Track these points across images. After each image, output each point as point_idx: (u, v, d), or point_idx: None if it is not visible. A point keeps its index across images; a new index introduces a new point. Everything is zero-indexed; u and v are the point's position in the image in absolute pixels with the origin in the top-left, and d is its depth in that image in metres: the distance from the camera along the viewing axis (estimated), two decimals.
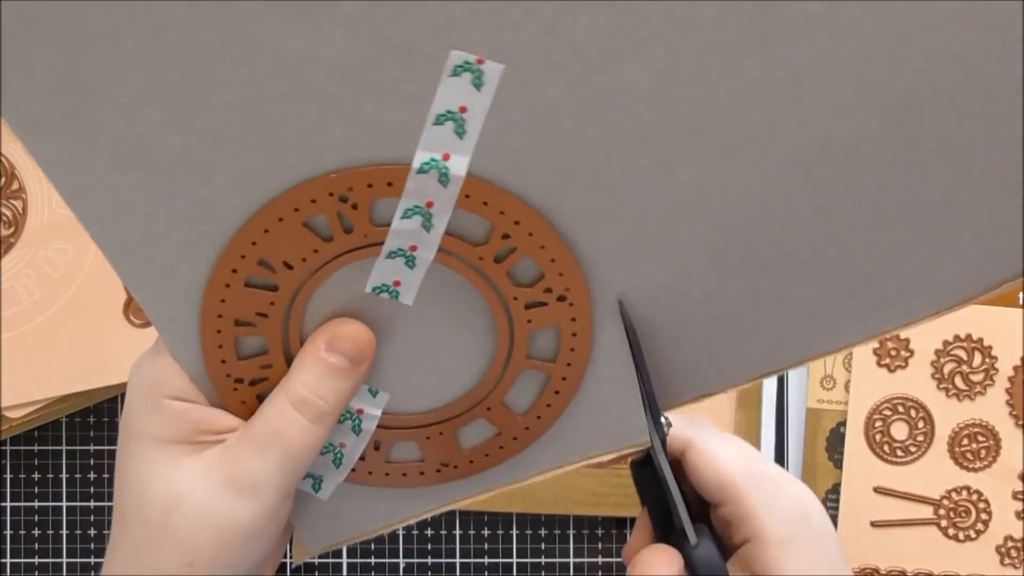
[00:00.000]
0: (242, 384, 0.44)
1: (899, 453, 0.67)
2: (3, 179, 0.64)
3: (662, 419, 0.44)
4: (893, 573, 0.67)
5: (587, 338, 0.45)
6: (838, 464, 0.67)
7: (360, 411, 0.45)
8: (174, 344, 0.43)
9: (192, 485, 0.42)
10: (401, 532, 0.67)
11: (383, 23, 0.38)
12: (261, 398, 0.44)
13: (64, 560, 0.69)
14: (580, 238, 0.43)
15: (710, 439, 0.46)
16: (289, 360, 0.44)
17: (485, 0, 0.37)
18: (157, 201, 0.40)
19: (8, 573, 0.69)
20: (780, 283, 0.44)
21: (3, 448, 0.69)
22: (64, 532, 0.69)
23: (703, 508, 0.47)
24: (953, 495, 0.67)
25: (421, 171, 0.41)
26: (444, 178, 0.41)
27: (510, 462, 0.47)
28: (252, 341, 0.44)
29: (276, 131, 0.39)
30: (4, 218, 0.64)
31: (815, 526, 0.45)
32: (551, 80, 0.39)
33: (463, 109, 0.40)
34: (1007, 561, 0.67)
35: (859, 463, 0.67)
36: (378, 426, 0.46)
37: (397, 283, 0.43)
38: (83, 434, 0.69)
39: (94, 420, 0.69)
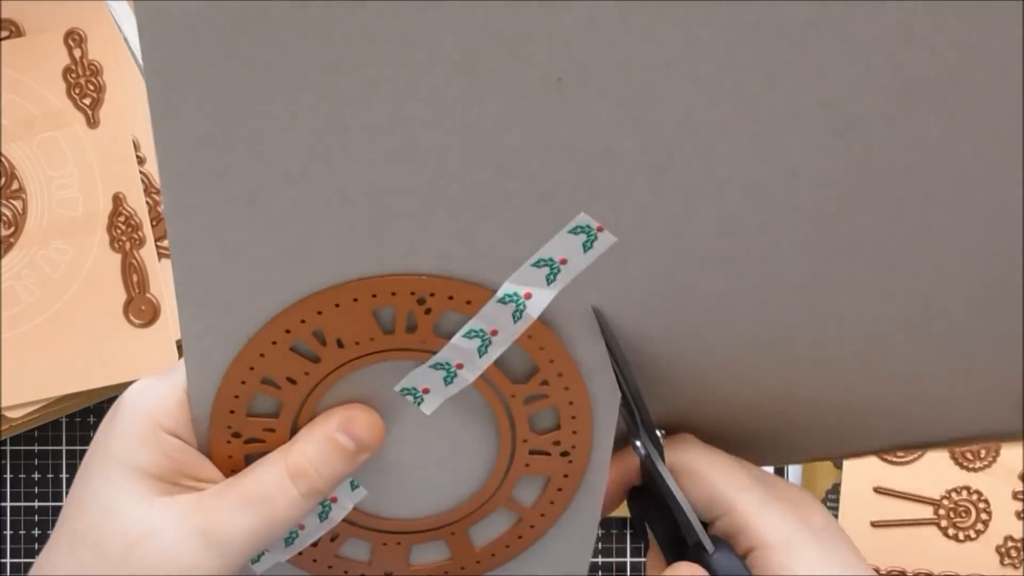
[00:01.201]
0: (237, 440, 0.44)
1: (899, 453, 0.67)
2: (3, 179, 0.64)
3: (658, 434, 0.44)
4: (893, 573, 0.67)
5: (570, 495, 0.46)
6: (838, 464, 0.67)
7: (334, 499, 0.45)
8: (194, 379, 0.43)
9: (162, 526, 0.41)
10: None
11: (536, 170, 0.39)
12: (248, 459, 0.44)
13: None
14: (604, 402, 0.45)
15: (694, 457, 0.45)
16: (293, 431, 0.44)
17: (628, 178, 0.39)
18: (251, 244, 0.40)
19: (8, 573, 0.69)
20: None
21: (3, 448, 0.69)
22: None
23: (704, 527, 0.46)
24: (953, 495, 0.67)
25: (501, 301, 0.42)
26: (518, 314, 0.42)
27: None
28: (267, 402, 0.44)
29: (393, 222, 0.40)
30: (4, 218, 0.64)
31: (815, 524, 0.44)
32: (642, 261, 0.41)
33: (563, 261, 0.41)
34: (1007, 561, 0.67)
35: (859, 463, 0.67)
36: (343, 519, 0.46)
37: (426, 391, 0.44)
38: (83, 434, 0.69)
39: (94, 420, 0.69)
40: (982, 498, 0.66)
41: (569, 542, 0.47)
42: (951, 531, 0.67)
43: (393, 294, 0.42)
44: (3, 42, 0.64)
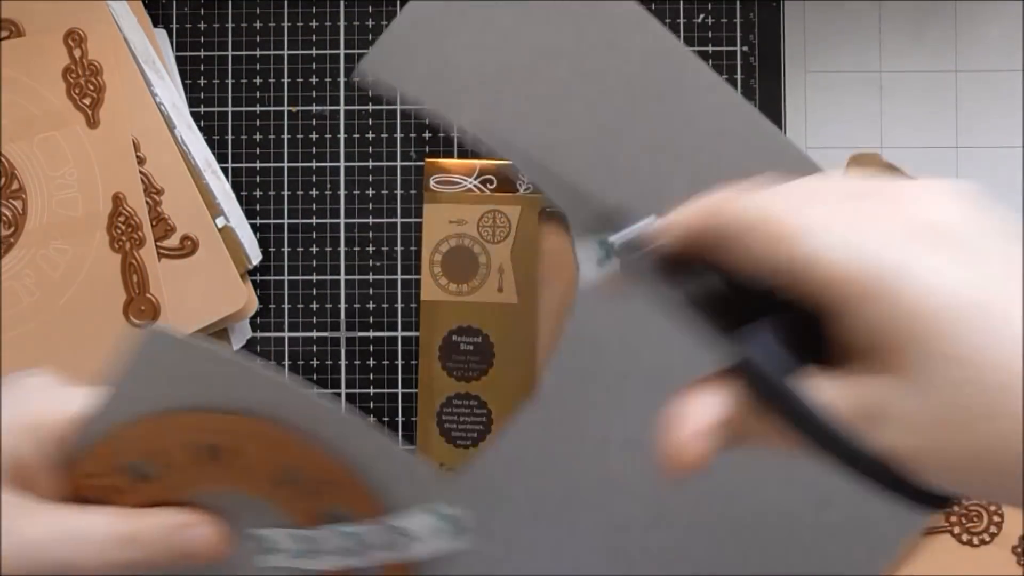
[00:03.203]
0: (88, 480, 0.43)
1: None
2: (3, 179, 0.64)
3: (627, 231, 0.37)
4: None
5: None
6: None
7: None
8: (116, 405, 0.42)
9: None
10: None
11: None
12: (80, 500, 0.43)
13: None
14: None
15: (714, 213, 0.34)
16: (148, 503, 0.43)
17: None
18: None
19: None
20: None
21: None
22: None
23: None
24: (963, 500, 0.66)
25: (393, 529, 0.44)
26: (395, 548, 0.44)
27: None
28: (146, 468, 0.43)
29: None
30: (4, 218, 0.64)
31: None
32: None
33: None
34: (1023, 561, 0.66)
35: None
36: None
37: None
38: None
39: None
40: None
41: None
42: (965, 536, 0.66)
43: (328, 477, 0.43)
44: (3, 42, 0.64)
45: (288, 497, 0.44)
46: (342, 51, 0.68)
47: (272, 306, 0.68)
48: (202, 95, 0.68)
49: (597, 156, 0.58)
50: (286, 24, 0.68)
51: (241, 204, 0.67)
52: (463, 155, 0.68)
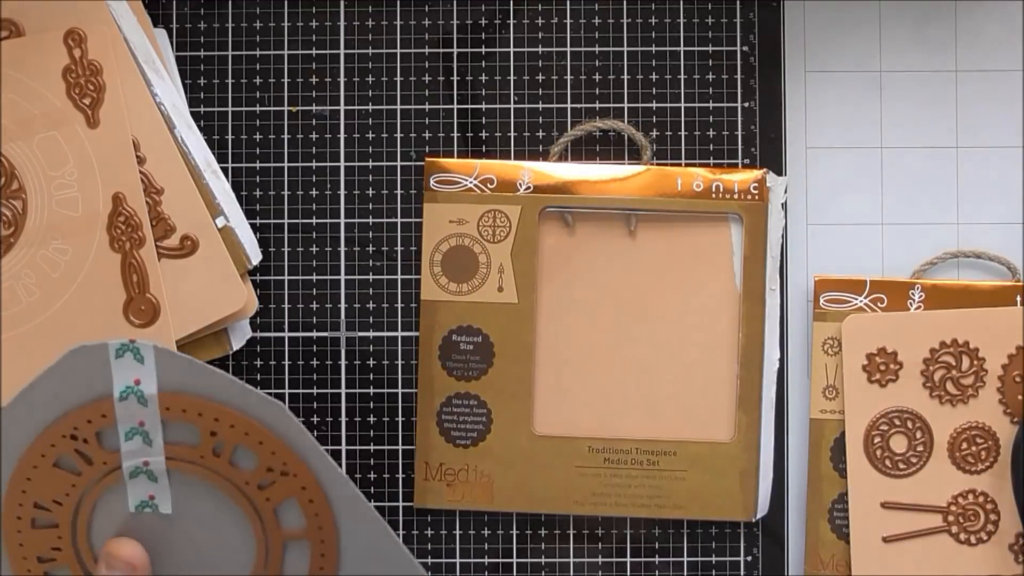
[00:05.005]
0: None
1: (901, 466, 0.66)
2: (3, 179, 0.64)
3: None
4: None
5: (324, 503, 0.52)
6: (843, 473, 0.67)
7: None
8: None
9: None
10: (401, 532, 0.67)
11: None
12: None
13: None
14: (276, 420, 0.51)
15: None
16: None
17: None
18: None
19: None
20: None
21: None
22: None
23: None
24: (960, 500, 0.66)
25: (122, 399, 0.51)
26: (142, 399, 0.51)
27: None
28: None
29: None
30: (4, 218, 0.64)
31: None
32: None
33: (132, 340, 0.52)
34: (1022, 558, 0.66)
35: (864, 481, 0.66)
36: None
37: (152, 497, 0.52)
38: None
39: None
40: (988, 499, 0.66)
41: (362, 541, 0.53)
42: (962, 536, 0.66)
43: (52, 445, 0.51)
44: (3, 42, 0.64)
45: (92, 472, 0.52)
46: (342, 51, 0.68)
47: (272, 306, 0.68)
48: (202, 95, 0.68)
49: None
50: (286, 24, 0.68)
51: (241, 204, 0.67)
52: (463, 155, 0.68)
